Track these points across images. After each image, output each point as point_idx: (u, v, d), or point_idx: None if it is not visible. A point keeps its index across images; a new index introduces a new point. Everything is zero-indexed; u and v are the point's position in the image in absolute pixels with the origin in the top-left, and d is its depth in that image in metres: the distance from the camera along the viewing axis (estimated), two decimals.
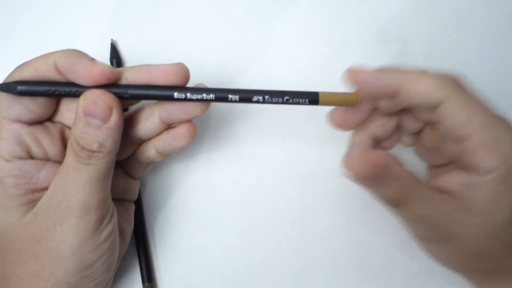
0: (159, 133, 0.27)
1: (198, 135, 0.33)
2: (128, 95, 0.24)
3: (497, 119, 0.23)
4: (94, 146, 0.23)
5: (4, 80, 0.24)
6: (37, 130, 0.25)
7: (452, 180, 0.24)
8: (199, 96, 0.24)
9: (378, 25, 0.35)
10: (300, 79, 0.34)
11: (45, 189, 0.25)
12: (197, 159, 0.33)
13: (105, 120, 0.24)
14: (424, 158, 0.29)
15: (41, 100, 0.25)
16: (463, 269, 0.26)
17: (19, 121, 0.24)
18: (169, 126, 0.27)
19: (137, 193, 0.30)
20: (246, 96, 0.24)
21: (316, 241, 0.33)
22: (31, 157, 0.25)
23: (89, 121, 0.23)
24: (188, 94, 0.24)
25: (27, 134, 0.25)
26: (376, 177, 0.23)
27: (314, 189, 0.33)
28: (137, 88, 0.24)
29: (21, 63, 0.25)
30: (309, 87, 0.34)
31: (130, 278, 0.32)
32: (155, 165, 0.33)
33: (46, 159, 0.26)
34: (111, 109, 0.24)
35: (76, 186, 0.23)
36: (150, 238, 0.32)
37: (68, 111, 0.26)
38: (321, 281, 0.33)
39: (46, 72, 0.24)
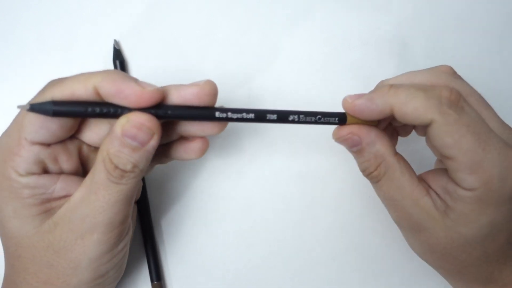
0: (171, 141, 0.27)
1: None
2: (169, 116, 0.24)
3: (485, 144, 0.23)
4: (128, 167, 0.23)
5: (34, 99, 0.23)
6: (56, 150, 0.25)
7: (439, 183, 0.25)
8: (239, 116, 0.24)
9: (378, 25, 0.35)
10: (300, 79, 0.34)
11: (61, 198, 0.25)
12: (201, 162, 0.33)
13: (144, 144, 0.23)
14: (431, 149, 0.30)
15: (68, 122, 0.24)
16: (432, 263, 0.28)
17: (40, 143, 0.24)
18: (181, 136, 0.27)
19: (140, 193, 0.31)
20: (284, 115, 0.25)
21: (316, 241, 0.33)
22: (46, 172, 0.25)
23: (126, 142, 0.23)
24: (229, 114, 0.24)
25: (46, 155, 0.24)
26: (352, 147, 0.26)
27: (314, 189, 0.34)
28: (179, 109, 0.24)
29: (52, 81, 0.24)
30: (309, 87, 0.34)
31: (139, 276, 0.32)
32: (162, 167, 0.33)
33: (61, 172, 0.25)
34: (153, 134, 0.23)
35: (104, 204, 0.23)
36: (158, 238, 0.32)
37: (88, 129, 0.26)
38: (321, 281, 0.33)
39: (83, 95, 0.23)
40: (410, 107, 0.23)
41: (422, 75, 0.26)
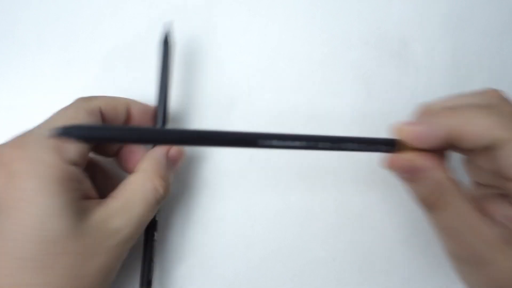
0: None
1: None
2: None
3: None
4: (167, 184, 0.26)
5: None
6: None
7: (498, 209, 0.23)
8: (284, 144, 0.23)
9: (378, 25, 0.35)
10: (300, 79, 0.34)
11: (90, 197, 0.25)
12: (198, 161, 0.33)
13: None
14: (471, 173, 0.28)
15: None
16: None
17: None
18: None
19: None
20: (336, 143, 0.24)
21: (316, 241, 0.33)
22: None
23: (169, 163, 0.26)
24: (274, 142, 0.23)
25: (85, 150, 0.24)
26: (411, 176, 0.23)
27: (314, 189, 0.33)
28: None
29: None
30: (309, 87, 0.34)
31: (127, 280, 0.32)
32: None
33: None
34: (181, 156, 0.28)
35: (143, 222, 0.25)
36: (158, 239, 0.32)
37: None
38: (321, 281, 0.33)
39: (120, 116, 0.26)
40: (474, 127, 0.21)
41: (471, 98, 0.24)
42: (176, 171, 0.27)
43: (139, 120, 0.28)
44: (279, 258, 0.33)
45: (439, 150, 0.24)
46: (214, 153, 0.33)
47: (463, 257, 0.24)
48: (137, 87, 0.33)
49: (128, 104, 0.27)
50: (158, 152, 0.26)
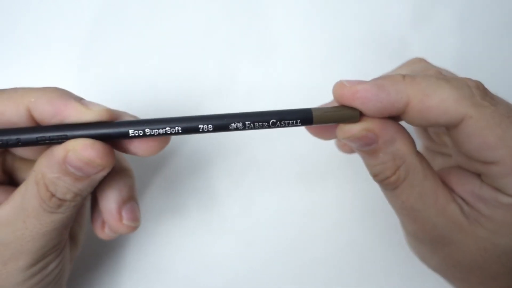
0: None
1: (196, 136, 0.33)
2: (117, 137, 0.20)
3: None
4: (68, 196, 0.20)
5: None
6: None
7: (467, 188, 0.21)
8: (157, 131, 0.20)
9: (377, 25, 0.35)
10: (300, 79, 0.34)
11: None
12: (197, 160, 0.33)
13: (91, 175, 0.20)
14: (422, 138, 0.26)
15: None
16: (450, 277, 0.24)
17: None
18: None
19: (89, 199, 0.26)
20: (223, 124, 0.20)
21: (316, 241, 0.33)
22: None
23: (69, 170, 0.19)
24: (147, 130, 0.20)
25: None
26: (366, 145, 0.20)
27: (314, 189, 0.33)
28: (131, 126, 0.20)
29: None
30: (309, 87, 0.34)
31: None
32: (157, 167, 0.33)
33: None
34: (104, 168, 0.20)
35: (34, 233, 0.20)
36: (154, 239, 0.32)
37: None
38: (321, 281, 0.33)
39: (14, 117, 0.19)
40: (436, 100, 0.18)
41: (405, 69, 0.22)
42: (95, 180, 0.20)
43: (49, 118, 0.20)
44: (279, 258, 0.33)
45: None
46: (214, 153, 0.33)
47: (425, 238, 0.22)
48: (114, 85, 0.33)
49: (25, 104, 0.19)
50: (52, 150, 0.19)
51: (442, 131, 0.24)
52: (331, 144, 0.33)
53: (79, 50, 0.33)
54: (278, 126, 0.20)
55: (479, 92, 0.19)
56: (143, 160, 0.33)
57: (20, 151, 0.22)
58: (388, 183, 0.20)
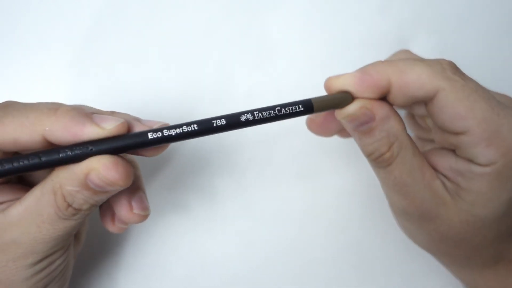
0: None
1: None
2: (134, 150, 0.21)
3: (498, 108, 0.21)
4: (85, 207, 0.21)
5: None
6: None
7: (446, 164, 0.23)
8: (178, 131, 0.21)
9: (378, 25, 0.35)
10: (300, 79, 0.34)
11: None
12: (198, 160, 0.33)
13: (110, 190, 0.21)
14: (413, 128, 0.28)
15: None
16: (436, 252, 0.26)
17: None
18: None
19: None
20: (234, 118, 0.22)
21: (316, 241, 0.33)
22: None
23: (89, 186, 0.20)
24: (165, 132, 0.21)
25: None
26: (364, 123, 0.22)
27: (314, 189, 0.33)
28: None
29: None
30: (309, 87, 0.34)
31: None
32: (157, 166, 0.33)
33: None
34: (124, 187, 0.21)
35: (47, 237, 0.21)
36: (153, 238, 0.32)
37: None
38: (321, 281, 0.33)
39: (29, 144, 0.20)
40: (413, 75, 0.21)
41: (390, 58, 0.24)
42: (113, 193, 0.21)
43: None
44: (279, 258, 0.33)
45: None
46: (214, 153, 0.33)
47: (413, 213, 0.23)
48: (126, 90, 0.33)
49: (40, 133, 0.20)
50: (73, 166, 0.20)
51: (425, 114, 0.25)
52: (331, 144, 0.33)
53: (79, 50, 0.33)
54: (283, 115, 0.22)
55: (451, 69, 0.21)
56: (142, 159, 0.33)
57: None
58: (383, 160, 0.22)
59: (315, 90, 0.34)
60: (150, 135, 0.21)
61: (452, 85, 0.20)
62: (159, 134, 0.21)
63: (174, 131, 0.21)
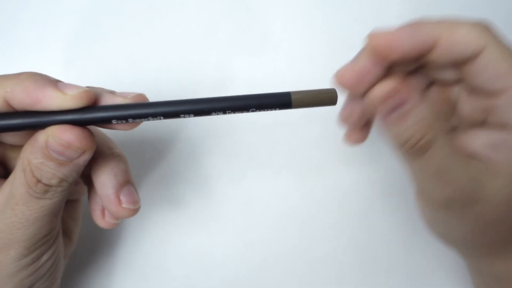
0: None
1: (196, 134, 0.33)
2: (101, 121, 0.20)
3: None
4: (54, 181, 0.20)
5: None
6: None
7: (476, 140, 0.22)
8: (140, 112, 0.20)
9: (378, 25, 0.35)
10: (300, 79, 0.34)
11: None
12: (197, 159, 0.33)
13: (74, 159, 0.20)
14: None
15: None
16: (476, 243, 0.24)
17: None
18: None
19: (86, 191, 0.26)
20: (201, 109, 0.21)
21: (316, 241, 0.33)
22: None
23: (52, 155, 0.19)
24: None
25: None
26: (396, 109, 0.20)
27: (314, 189, 0.33)
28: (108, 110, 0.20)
29: None
30: (309, 87, 0.34)
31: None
32: (154, 164, 0.33)
33: None
34: (84, 152, 0.20)
35: (24, 220, 0.20)
36: (151, 237, 0.32)
37: None
38: (321, 281, 0.33)
39: None
40: (463, 32, 0.20)
41: None
42: (78, 164, 0.20)
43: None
44: (279, 258, 0.33)
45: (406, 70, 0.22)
46: (215, 153, 0.33)
47: (457, 200, 0.21)
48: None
49: (2, 95, 0.19)
50: (35, 136, 0.20)
51: (451, 80, 0.24)
52: (331, 144, 0.33)
53: (80, 50, 0.33)
54: (261, 107, 0.21)
55: (493, 29, 0.21)
56: (139, 157, 0.33)
57: (8, 138, 0.22)
58: (420, 146, 0.20)
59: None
60: (114, 121, 0.20)
61: (497, 44, 0.20)
62: (123, 112, 0.20)
63: (139, 111, 0.20)
